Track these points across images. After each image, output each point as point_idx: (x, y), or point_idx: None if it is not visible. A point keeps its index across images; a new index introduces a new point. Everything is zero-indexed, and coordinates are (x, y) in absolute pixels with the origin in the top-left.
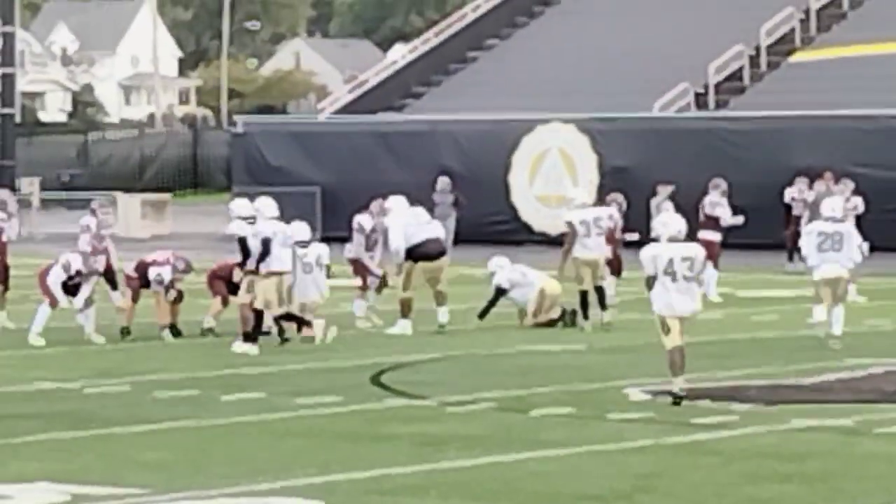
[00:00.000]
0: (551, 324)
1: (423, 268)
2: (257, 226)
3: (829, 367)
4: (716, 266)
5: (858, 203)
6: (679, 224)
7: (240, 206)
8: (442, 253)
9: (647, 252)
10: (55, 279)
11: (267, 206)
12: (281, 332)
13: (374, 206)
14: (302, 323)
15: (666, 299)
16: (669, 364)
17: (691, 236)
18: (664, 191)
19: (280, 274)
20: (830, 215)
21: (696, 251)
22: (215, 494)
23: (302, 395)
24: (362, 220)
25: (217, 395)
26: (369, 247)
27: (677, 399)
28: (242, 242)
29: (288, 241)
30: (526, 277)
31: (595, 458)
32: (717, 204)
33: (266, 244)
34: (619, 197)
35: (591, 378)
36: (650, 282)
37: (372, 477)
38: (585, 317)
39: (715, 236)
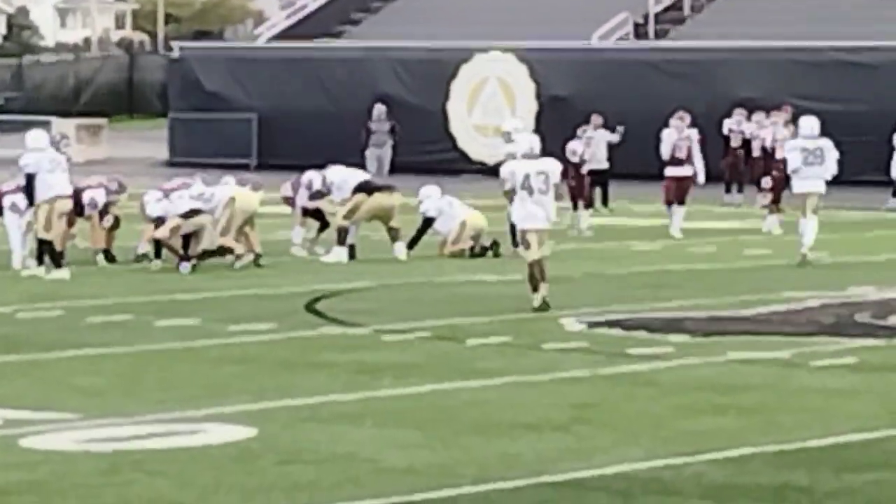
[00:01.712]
0: (469, 252)
1: (379, 201)
2: (22, 159)
3: (766, 299)
4: (680, 202)
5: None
6: (532, 142)
7: (152, 196)
8: (393, 188)
9: (505, 168)
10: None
11: (34, 138)
12: (44, 255)
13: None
14: (53, 257)
15: (524, 212)
16: (529, 277)
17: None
18: (596, 121)
19: (56, 199)
20: (808, 133)
21: (550, 166)
22: (149, 420)
23: (236, 322)
24: (313, 177)
25: (151, 320)
26: (313, 198)
27: (543, 307)
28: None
29: (60, 166)
30: (452, 208)
31: (531, 388)
32: (664, 140)
33: (30, 180)
34: (590, 130)
35: (527, 308)
36: (509, 196)
37: (307, 404)
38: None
39: (672, 171)
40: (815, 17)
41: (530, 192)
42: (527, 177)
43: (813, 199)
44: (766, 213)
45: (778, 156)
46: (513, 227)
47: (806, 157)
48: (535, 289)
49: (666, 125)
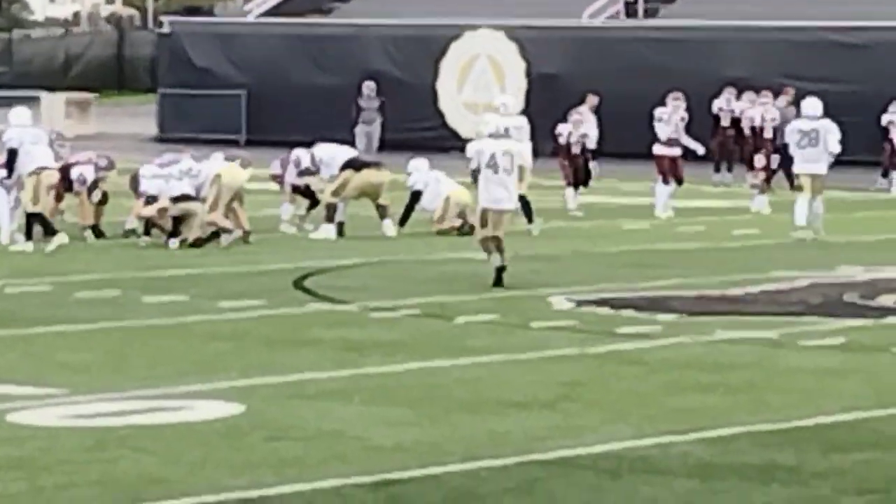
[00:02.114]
0: (456, 231)
1: (367, 177)
2: (4, 135)
3: (754, 278)
4: (665, 181)
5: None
6: (499, 123)
7: (148, 171)
8: (381, 165)
9: (472, 147)
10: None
11: (17, 114)
12: (32, 229)
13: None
14: (45, 226)
15: (488, 193)
16: (484, 249)
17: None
18: (591, 101)
19: (41, 170)
20: (810, 113)
21: (516, 147)
22: (136, 396)
23: (225, 298)
24: (301, 154)
25: (139, 296)
26: (301, 175)
27: (501, 269)
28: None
29: (41, 139)
30: (438, 183)
31: (519, 366)
32: (659, 118)
33: (11, 155)
34: (578, 114)
35: (516, 286)
36: (475, 175)
37: (294, 381)
38: (529, 219)
39: (667, 151)
40: None
41: (495, 170)
42: (493, 156)
43: (810, 181)
44: (756, 192)
45: (766, 135)
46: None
47: (800, 139)
48: (489, 252)
49: (660, 104)
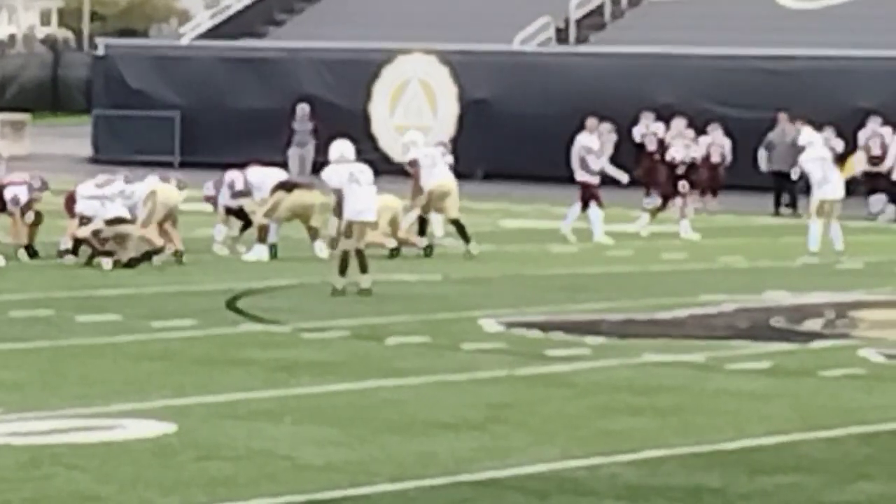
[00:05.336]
0: (389, 253)
1: (299, 198)
2: None
3: (682, 302)
4: (600, 206)
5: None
6: (348, 148)
7: (84, 190)
8: (313, 186)
9: (328, 171)
10: None
11: None
12: None
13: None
14: None
15: (356, 206)
16: (341, 264)
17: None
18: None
19: None
20: (823, 143)
21: (365, 168)
22: (69, 415)
23: (157, 318)
24: (235, 176)
25: (72, 316)
26: (235, 197)
27: (338, 292)
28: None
29: None
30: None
31: (448, 387)
32: (590, 150)
33: None
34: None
35: (446, 308)
36: (339, 194)
37: (226, 401)
38: (466, 241)
39: (585, 177)
40: (733, 25)
41: (358, 183)
42: (351, 174)
43: (828, 208)
44: (679, 217)
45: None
46: (459, 228)
47: (822, 166)
48: (345, 268)
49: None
